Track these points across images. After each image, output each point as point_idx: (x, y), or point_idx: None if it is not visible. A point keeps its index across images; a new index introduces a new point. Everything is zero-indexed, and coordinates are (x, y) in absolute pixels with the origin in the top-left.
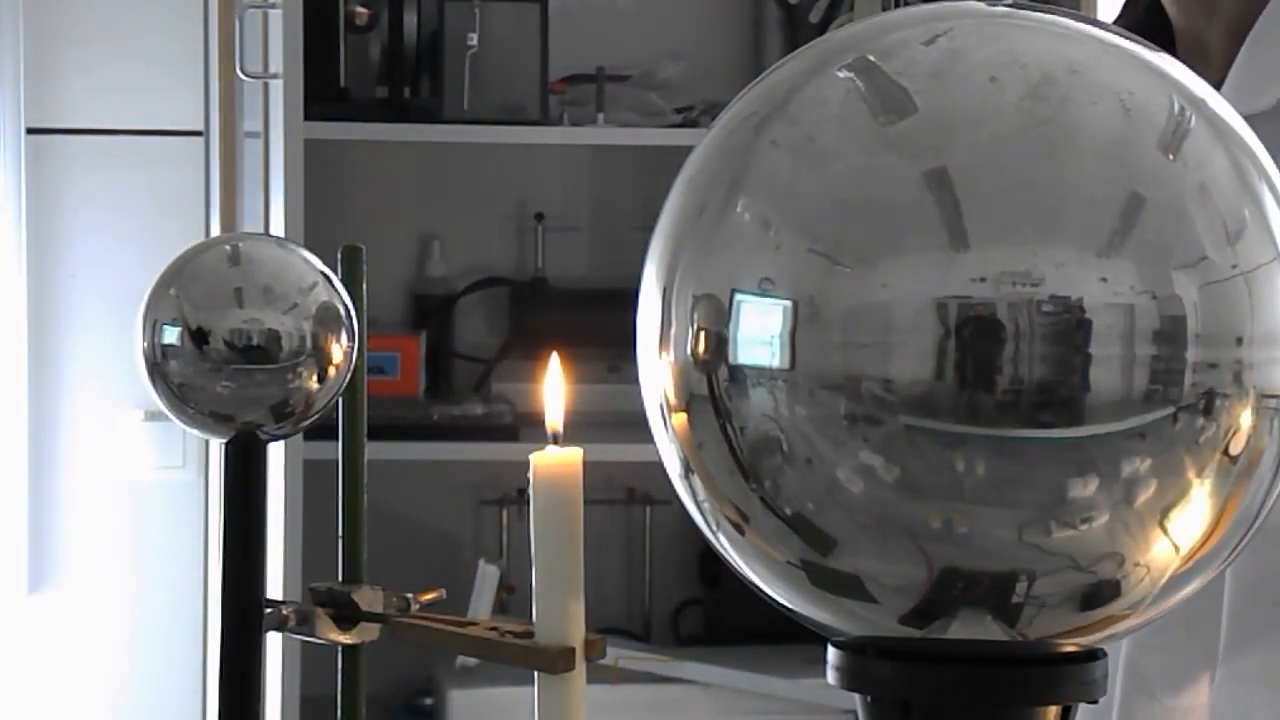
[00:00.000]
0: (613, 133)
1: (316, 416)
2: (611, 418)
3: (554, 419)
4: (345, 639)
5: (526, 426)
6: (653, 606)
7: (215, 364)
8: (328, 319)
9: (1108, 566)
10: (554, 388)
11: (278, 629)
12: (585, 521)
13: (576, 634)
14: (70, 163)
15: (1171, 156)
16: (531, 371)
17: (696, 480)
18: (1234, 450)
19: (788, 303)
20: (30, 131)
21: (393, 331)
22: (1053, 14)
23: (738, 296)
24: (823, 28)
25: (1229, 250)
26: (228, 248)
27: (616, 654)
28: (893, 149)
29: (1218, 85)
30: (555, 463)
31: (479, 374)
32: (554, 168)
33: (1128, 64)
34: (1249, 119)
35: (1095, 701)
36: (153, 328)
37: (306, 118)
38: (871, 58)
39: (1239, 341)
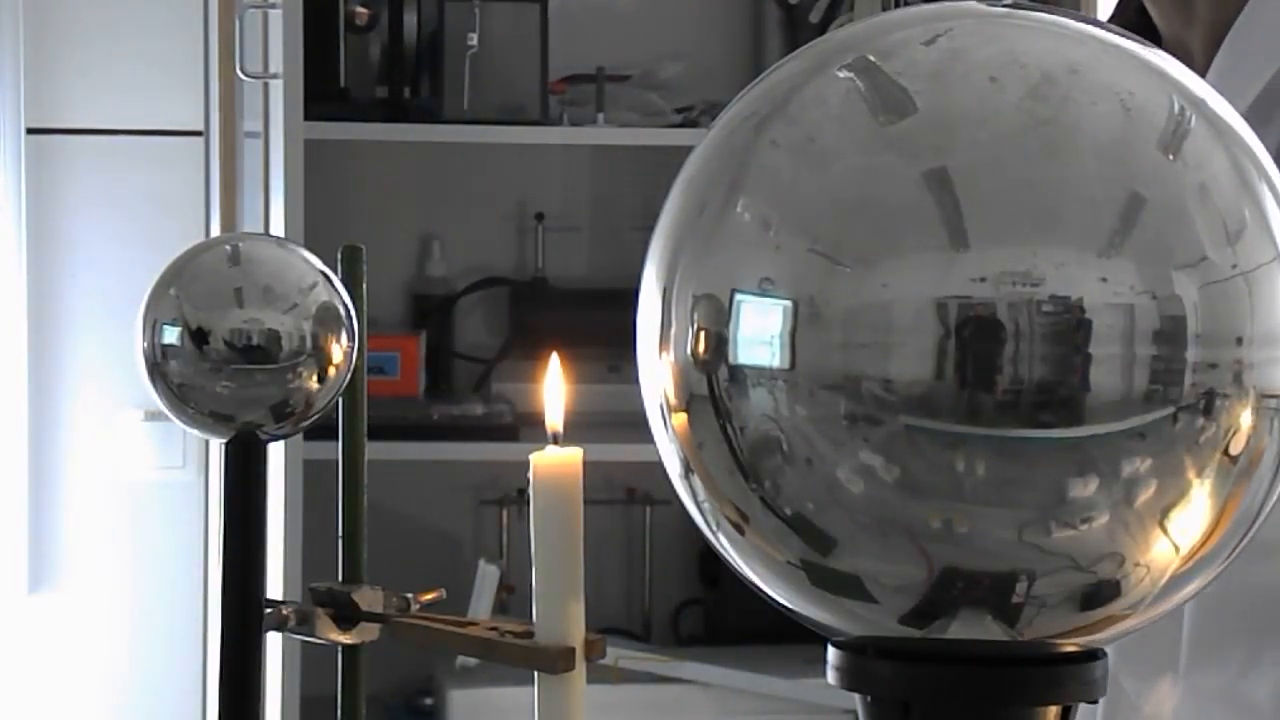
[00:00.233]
0: (613, 133)
1: (316, 416)
2: (611, 418)
3: (554, 419)
4: (345, 639)
5: (526, 426)
6: (653, 606)
7: (215, 364)
8: (328, 319)
9: (1108, 566)
10: (554, 388)
11: (278, 629)
12: (585, 521)
13: (576, 634)
14: (70, 163)
15: (1171, 156)
16: (531, 371)
17: (696, 480)
18: (1234, 450)
19: (788, 303)
20: (30, 131)
21: (393, 331)
22: (1053, 14)
23: (738, 296)
24: (823, 28)
25: (1229, 250)
26: (228, 248)
27: (616, 654)
28: (893, 149)
29: None
30: (555, 463)
31: (479, 374)
32: (554, 168)
33: (1128, 64)
34: None
35: (1095, 701)
36: (153, 328)
37: (306, 118)
38: (871, 58)
39: (1239, 341)
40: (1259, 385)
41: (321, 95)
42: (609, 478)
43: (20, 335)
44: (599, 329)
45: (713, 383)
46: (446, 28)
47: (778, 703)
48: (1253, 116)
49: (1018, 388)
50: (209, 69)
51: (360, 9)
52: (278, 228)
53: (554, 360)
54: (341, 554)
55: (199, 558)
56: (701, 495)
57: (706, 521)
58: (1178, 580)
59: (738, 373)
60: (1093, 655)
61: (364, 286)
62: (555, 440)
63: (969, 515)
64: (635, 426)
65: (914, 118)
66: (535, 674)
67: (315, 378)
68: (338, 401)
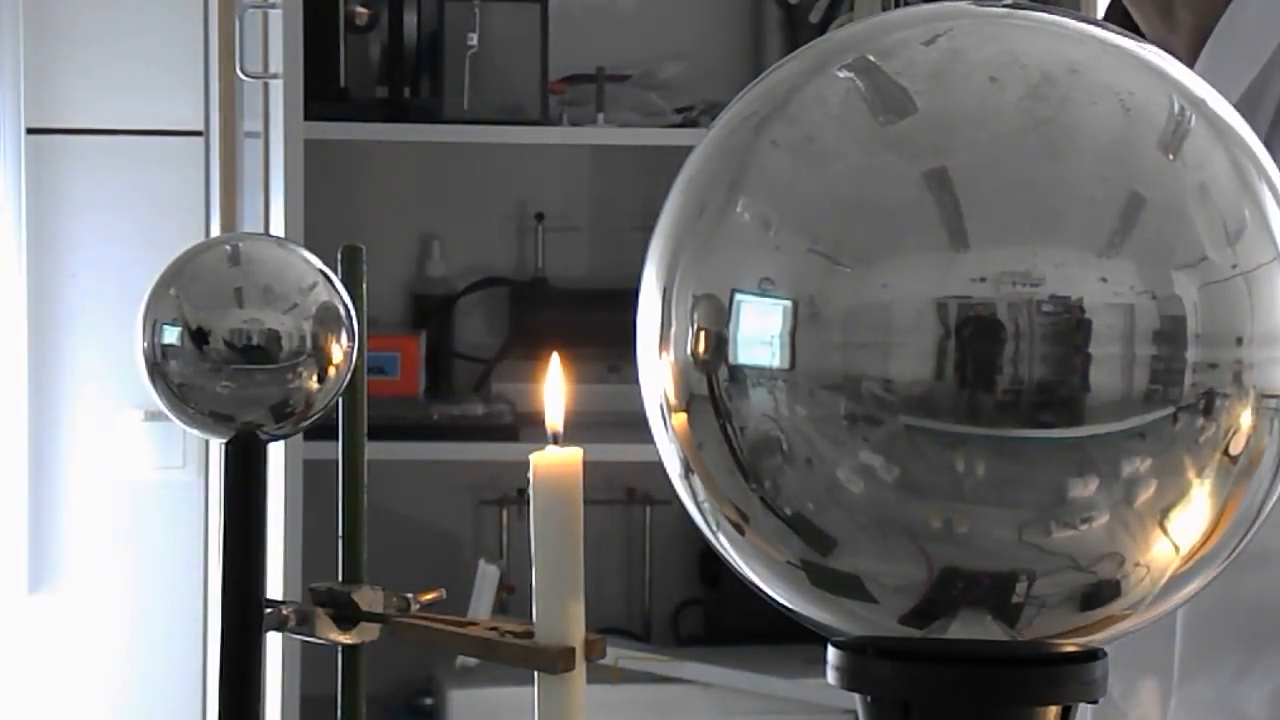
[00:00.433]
0: (613, 133)
1: (316, 416)
2: (611, 418)
3: (554, 419)
4: (345, 639)
5: (526, 426)
6: (653, 606)
7: (215, 364)
8: (328, 319)
9: (1108, 566)
10: (554, 388)
11: (278, 629)
12: (585, 521)
13: (576, 634)
14: (70, 163)
15: (1171, 156)
16: (531, 371)
17: (696, 480)
18: (1234, 450)
19: (788, 303)
20: (30, 131)
21: (393, 331)
22: (1053, 14)
23: (738, 296)
24: (823, 28)
25: (1229, 250)
26: (228, 248)
27: (616, 654)
28: (893, 149)
29: None
30: (555, 463)
31: (479, 374)
32: (554, 168)
33: (1128, 64)
34: None
35: (1095, 701)
36: (153, 328)
37: (306, 118)
38: (871, 58)
39: (1239, 341)
40: (1259, 385)
41: (321, 95)
42: (609, 478)
43: (20, 335)
44: (599, 329)
45: (713, 383)
46: (446, 28)
47: (778, 703)
48: None
49: (1018, 388)
50: (209, 69)
51: (360, 9)
52: (278, 228)
53: (554, 360)
54: (341, 554)
55: (199, 558)
56: (701, 495)
57: (706, 521)
58: (1177, 580)
59: (738, 373)
60: (1092, 655)
61: (364, 286)
62: (555, 440)
63: (969, 515)
64: (635, 426)
65: (914, 118)
66: (535, 674)
67: (315, 378)
68: (338, 401)
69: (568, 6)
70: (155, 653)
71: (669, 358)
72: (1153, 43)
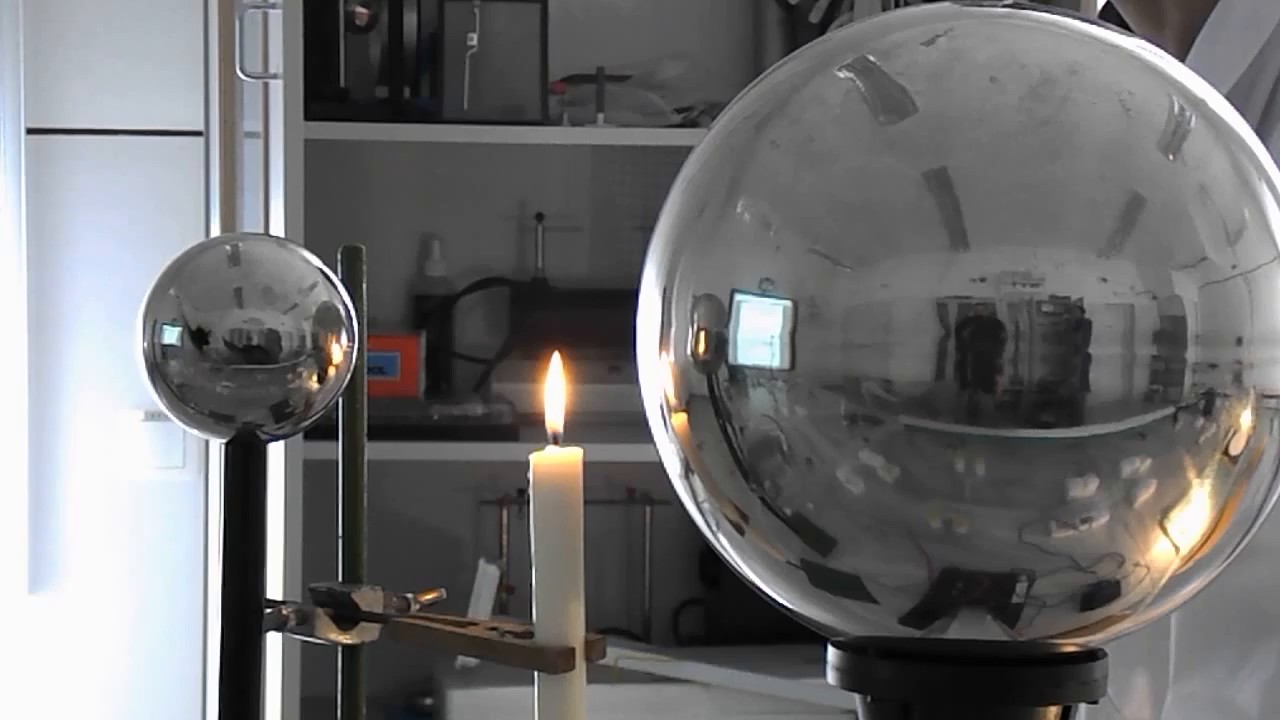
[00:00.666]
0: (613, 133)
1: (316, 416)
2: (611, 418)
3: (554, 419)
4: (345, 639)
5: (526, 426)
6: (653, 606)
7: (215, 364)
8: (328, 319)
9: (1108, 566)
10: (554, 388)
11: (278, 629)
12: (585, 521)
13: (576, 634)
14: (70, 163)
15: (1171, 156)
16: (531, 371)
17: (696, 480)
18: (1234, 450)
19: (788, 303)
20: (30, 131)
21: (393, 331)
22: (1053, 14)
23: (738, 296)
24: (823, 28)
25: (1229, 250)
26: (228, 248)
27: (616, 654)
28: (893, 149)
29: None
30: (555, 463)
31: (479, 374)
32: (554, 168)
33: (1128, 64)
34: None
35: (1095, 702)
36: (153, 328)
37: (306, 118)
38: (871, 58)
39: (1239, 341)
40: (1259, 385)
41: (321, 95)
42: (609, 478)
43: (20, 335)
44: (599, 329)
45: (713, 383)
46: (446, 28)
47: (778, 703)
48: None
49: (1018, 388)
50: (209, 69)
51: (360, 9)
52: (278, 228)
53: (554, 360)
54: (341, 554)
55: (199, 558)
56: (701, 495)
57: (706, 521)
58: (1177, 580)
59: (738, 373)
60: (1092, 655)
61: (364, 286)
62: (555, 440)
63: (969, 515)
64: (635, 426)
65: (914, 118)
66: (535, 674)
67: (315, 378)
68: (338, 401)
69: (568, 6)
70: (155, 653)
71: (669, 358)
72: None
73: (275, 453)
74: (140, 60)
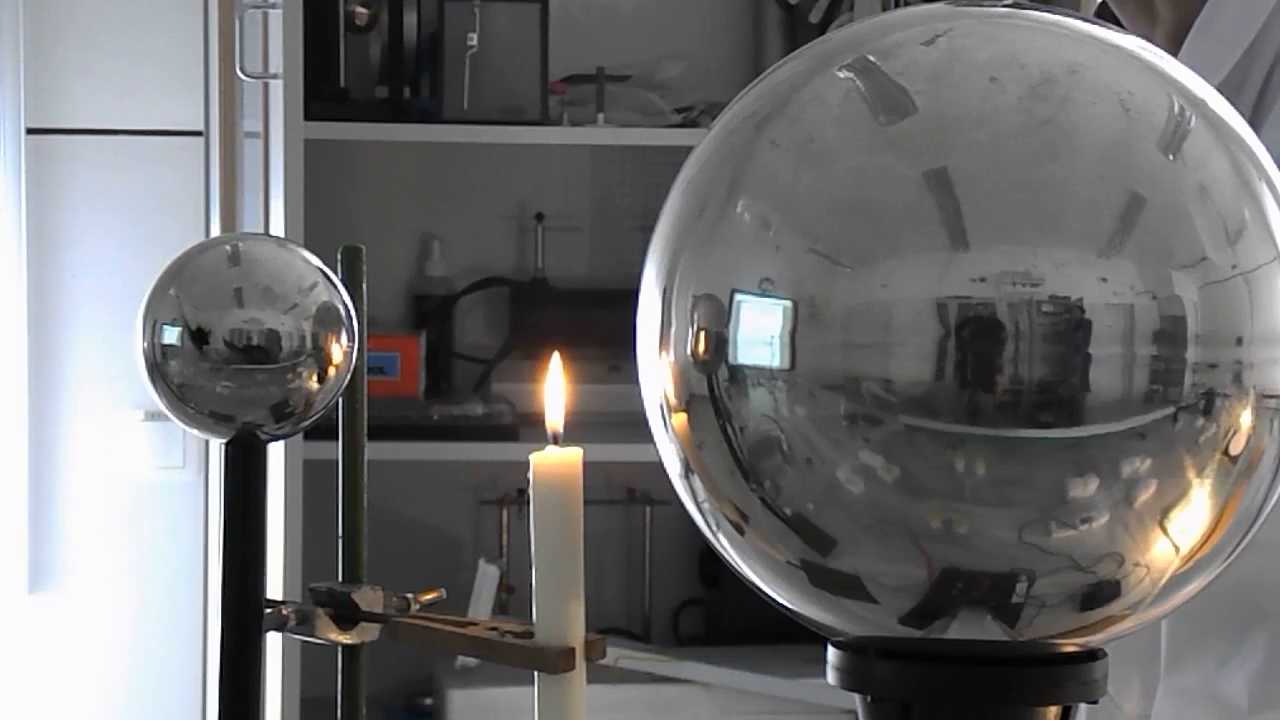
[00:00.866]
0: (613, 133)
1: (316, 416)
2: (611, 418)
3: (554, 419)
4: (345, 639)
5: (526, 426)
6: (653, 606)
7: (215, 364)
8: (328, 319)
9: (1108, 566)
10: (554, 388)
11: (278, 629)
12: (585, 521)
13: (576, 634)
14: (70, 163)
15: (1171, 156)
16: (531, 371)
17: (696, 480)
18: (1234, 450)
19: (788, 303)
20: (30, 131)
21: (393, 331)
22: (1053, 14)
23: (738, 296)
24: (823, 28)
25: (1229, 250)
26: (228, 248)
27: (616, 654)
28: (893, 149)
29: None
30: (555, 463)
31: (479, 374)
32: (554, 168)
33: (1128, 64)
34: None
35: (1095, 702)
36: (153, 328)
37: (306, 118)
38: (871, 58)
39: (1239, 341)
40: (1259, 385)
41: (321, 95)
42: (609, 478)
43: (20, 335)
44: (599, 329)
45: (713, 383)
46: (446, 28)
47: (778, 703)
48: None
49: (1018, 388)
50: (209, 69)
51: (360, 9)
52: (278, 228)
53: (554, 360)
54: (341, 554)
55: (199, 558)
56: (701, 495)
57: (706, 521)
58: (1177, 580)
59: (738, 373)
60: (1092, 655)
61: (364, 286)
62: (555, 440)
63: (969, 515)
64: (635, 426)
65: (914, 118)
66: (535, 674)
67: (315, 378)
68: (338, 401)
69: (568, 6)
70: (155, 653)
71: (669, 358)
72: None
73: (275, 453)
74: (140, 60)
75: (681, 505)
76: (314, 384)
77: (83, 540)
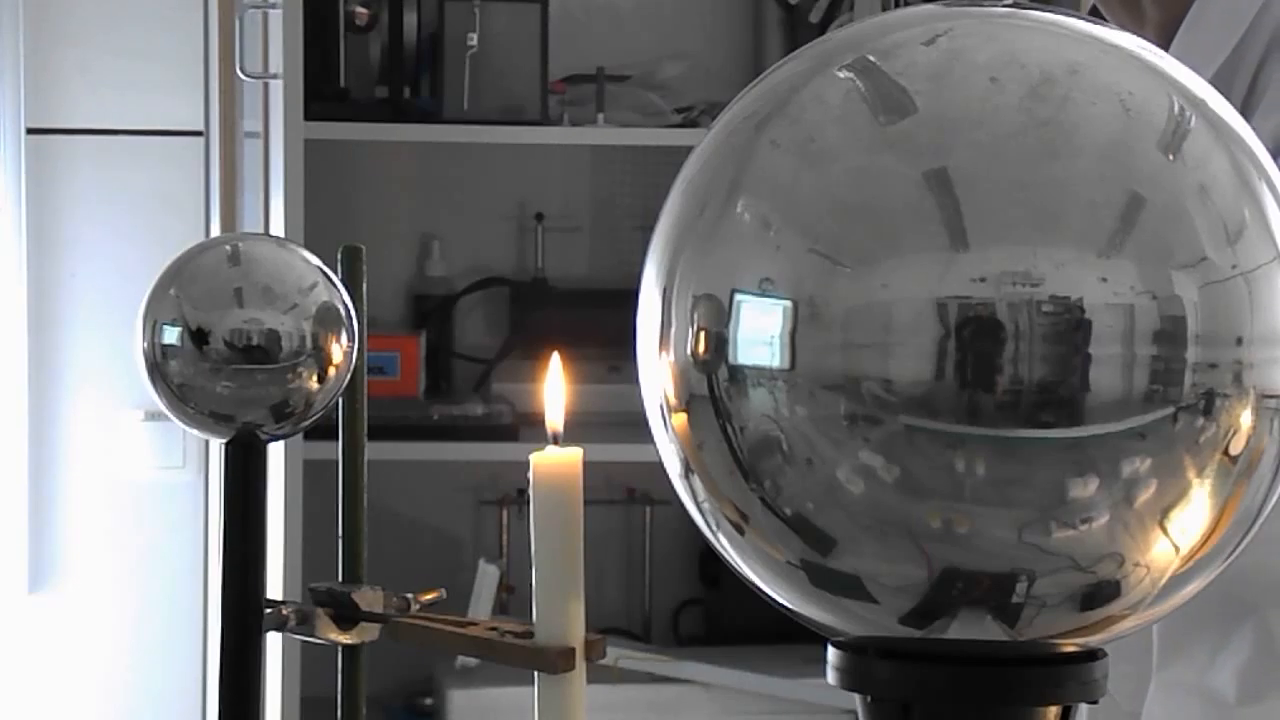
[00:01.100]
0: (613, 133)
1: (316, 416)
2: (611, 418)
3: (554, 419)
4: (345, 639)
5: (526, 426)
6: (653, 606)
7: (215, 364)
8: (328, 319)
9: (1108, 566)
10: (554, 388)
11: (278, 629)
12: (585, 521)
13: (576, 634)
14: (70, 163)
15: (1171, 156)
16: (531, 371)
17: (696, 480)
18: (1234, 450)
19: (788, 303)
20: (30, 131)
21: (393, 331)
22: (1053, 14)
23: (738, 296)
24: (823, 28)
25: (1229, 250)
26: (228, 248)
27: (616, 654)
28: (893, 149)
29: None
30: (555, 463)
31: (479, 374)
32: (554, 168)
33: (1128, 64)
34: None
35: (1095, 702)
36: (153, 328)
37: (306, 118)
38: (871, 58)
39: (1239, 341)
40: (1259, 385)
41: (321, 95)
42: (609, 478)
43: (20, 335)
44: (599, 329)
45: (713, 383)
46: (446, 28)
47: (778, 703)
48: None
49: (1018, 388)
50: (209, 69)
51: (360, 9)
52: (278, 228)
53: (554, 360)
54: (341, 554)
55: (199, 558)
56: (701, 495)
57: (706, 521)
58: (1177, 580)
59: (738, 373)
60: (1092, 655)
61: (364, 286)
62: (555, 440)
63: (969, 515)
64: (635, 426)
65: (914, 118)
66: (535, 674)
67: (315, 378)
68: (338, 401)
69: (568, 6)
70: (155, 653)
71: (669, 358)
72: None
73: (275, 453)
74: (140, 60)
75: (681, 505)
76: (314, 384)
77: (83, 540)
